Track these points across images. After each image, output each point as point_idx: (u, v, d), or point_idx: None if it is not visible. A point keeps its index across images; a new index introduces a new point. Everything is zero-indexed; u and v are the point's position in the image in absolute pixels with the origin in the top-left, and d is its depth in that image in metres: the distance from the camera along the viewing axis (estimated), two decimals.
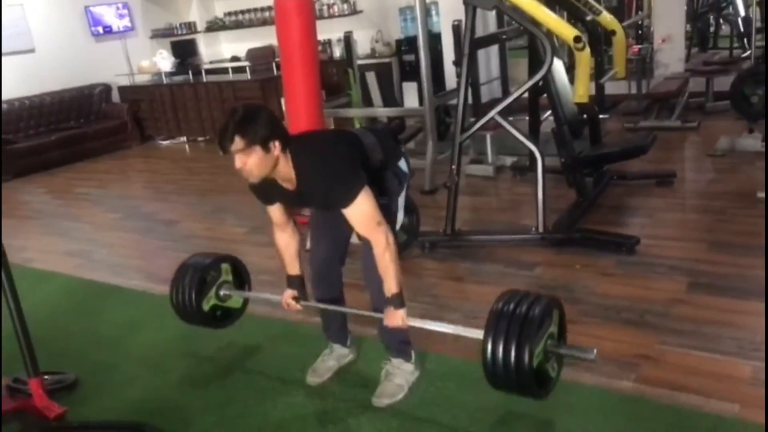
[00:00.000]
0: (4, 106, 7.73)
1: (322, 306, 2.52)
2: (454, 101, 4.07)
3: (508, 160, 5.31)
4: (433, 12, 7.47)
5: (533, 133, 4.65)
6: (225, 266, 2.73)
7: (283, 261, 2.49)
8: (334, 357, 2.64)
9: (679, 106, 6.06)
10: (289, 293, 2.49)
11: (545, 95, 4.10)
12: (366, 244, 2.30)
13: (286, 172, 2.11)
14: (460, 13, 3.82)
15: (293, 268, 2.48)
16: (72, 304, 3.79)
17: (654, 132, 4.67)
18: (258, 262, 4.05)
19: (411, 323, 2.23)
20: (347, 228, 2.37)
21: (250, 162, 2.01)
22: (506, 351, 1.83)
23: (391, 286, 2.17)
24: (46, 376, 2.62)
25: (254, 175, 2.05)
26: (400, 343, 2.47)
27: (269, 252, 4.16)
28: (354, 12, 8.37)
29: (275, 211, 2.35)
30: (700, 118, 5.96)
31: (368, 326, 2.79)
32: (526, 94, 4.21)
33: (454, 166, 3.77)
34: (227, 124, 2.01)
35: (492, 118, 3.74)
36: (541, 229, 3.64)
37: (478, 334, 1.96)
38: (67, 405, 2.57)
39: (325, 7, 8.44)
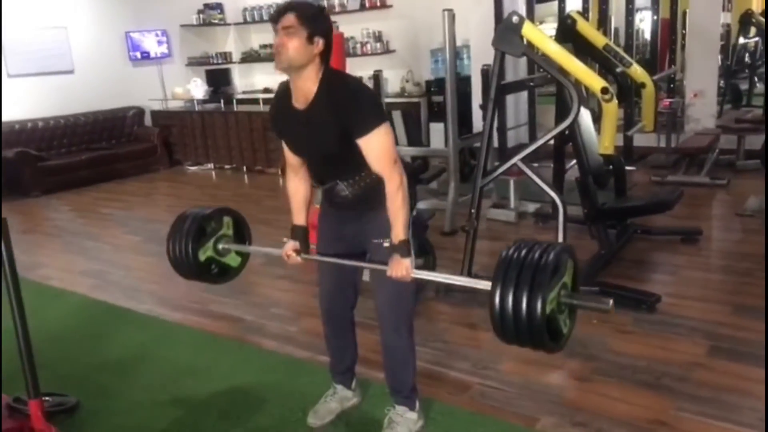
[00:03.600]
0: (39, 124, 7.94)
1: (322, 258, 2.36)
2: (479, 144, 4.05)
3: (531, 207, 5.25)
4: (464, 55, 7.54)
5: (557, 181, 4.60)
6: (227, 219, 2.59)
7: (290, 208, 2.40)
8: (337, 399, 2.58)
9: (709, 162, 5.97)
10: (291, 245, 2.38)
11: (571, 144, 4.06)
12: (378, 284, 2.25)
13: (310, 81, 2.05)
14: (490, 58, 3.82)
15: (299, 217, 2.39)
16: (82, 325, 3.79)
17: (681, 187, 4.58)
18: (270, 294, 4.04)
19: (416, 275, 2.12)
20: (355, 257, 2.30)
21: (291, 44, 1.98)
22: (517, 300, 1.70)
23: (398, 232, 2.08)
24: (46, 398, 2.59)
25: (287, 58, 1.99)
26: (407, 389, 2.40)
27: (283, 285, 4.18)
28: (387, 51, 8.49)
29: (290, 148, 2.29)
30: (729, 176, 5.86)
31: (376, 369, 2.73)
32: (551, 142, 4.17)
33: (473, 210, 3.73)
34: (289, 0, 2.04)
35: (515, 164, 3.71)
36: None
37: (485, 285, 1.83)
38: (64, 429, 2.53)
39: (358, 45, 8.57)
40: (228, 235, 2.59)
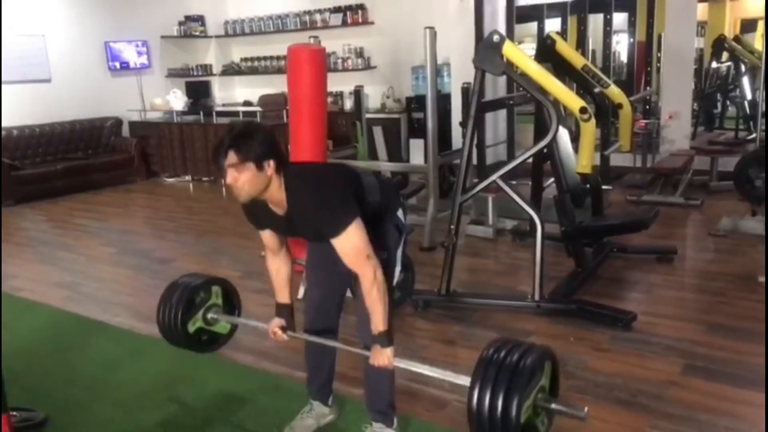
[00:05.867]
0: (14, 132, 7.82)
1: (309, 338, 2.40)
2: (458, 161, 4.08)
3: (509, 224, 5.29)
4: (445, 73, 7.61)
5: (535, 199, 4.64)
6: (216, 289, 2.61)
7: (273, 287, 2.41)
8: (314, 416, 2.55)
9: (683, 182, 6.08)
10: (277, 322, 2.40)
11: (549, 162, 4.11)
12: (360, 300, 2.25)
13: (277, 195, 2.06)
14: (470, 76, 3.86)
15: (282, 296, 2.40)
16: (53, 338, 3.70)
17: (657, 207, 4.65)
18: (249, 309, 3.95)
19: (398, 364, 2.13)
20: (344, 278, 2.32)
21: (242, 179, 1.98)
22: (493, 401, 1.72)
23: (377, 324, 2.09)
24: (14, 413, 2.52)
25: (245, 192, 2.01)
26: (385, 405, 2.39)
27: (262, 299, 4.12)
28: (368, 67, 8.53)
29: (267, 235, 2.29)
30: (703, 197, 5.96)
31: (353, 386, 2.71)
32: (530, 160, 4.22)
33: (452, 226, 3.74)
34: (224, 138, 2.01)
35: (494, 181, 3.74)
36: (537, 297, 3.58)
37: (465, 380, 1.87)
38: None
39: (340, 61, 8.61)
40: (217, 304, 2.61)
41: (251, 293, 4.17)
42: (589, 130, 3.76)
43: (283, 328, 2.39)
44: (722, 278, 4.06)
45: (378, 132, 6.46)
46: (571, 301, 3.65)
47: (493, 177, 3.73)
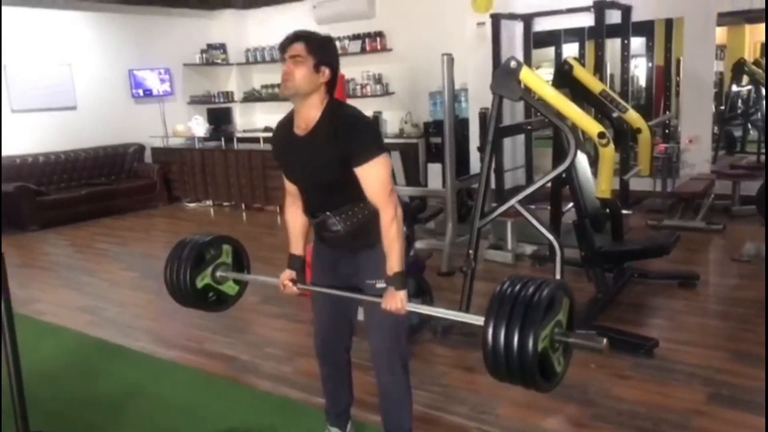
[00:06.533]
0: (40, 158, 8.00)
1: (317, 289, 2.34)
2: (476, 185, 4.08)
3: (528, 249, 5.26)
4: (462, 98, 7.66)
5: (554, 224, 4.62)
6: (226, 247, 2.57)
7: (288, 237, 2.40)
8: None
9: (705, 207, 6.01)
10: (288, 274, 2.37)
11: (568, 187, 4.10)
12: (372, 323, 2.25)
13: (313, 108, 2.08)
14: (488, 101, 3.88)
15: (296, 247, 2.38)
16: (75, 362, 3.74)
17: (678, 232, 4.61)
18: (265, 334, 4.01)
19: (410, 308, 2.10)
20: (350, 301, 2.30)
21: (298, 72, 2.02)
22: (509, 336, 1.68)
23: (393, 264, 2.08)
24: None
25: (294, 85, 2.03)
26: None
27: (279, 324, 4.15)
28: (386, 93, 8.62)
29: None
30: (725, 221, 5.89)
31: (371, 412, 2.70)
32: (548, 184, 4.21)
33: (471, 251, 3.73)
34: (298, 30, 2.09)
35: (512, 206, 3.73)
36: None
37: (478, 320, 1.84)
38: None
39: (359, 87, 8.70)
40: (227, 263, 2.57)
41: (269, 318, 4.20)
42: (608, 154, 3.74)
43: (294, 281, 2.36)
44: (746, 304, 3.99)
45: (396, 157, 6.49)
46: (592, 326, 3.60)
47: (512, 201, 3.73)
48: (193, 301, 2.50)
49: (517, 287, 1.76)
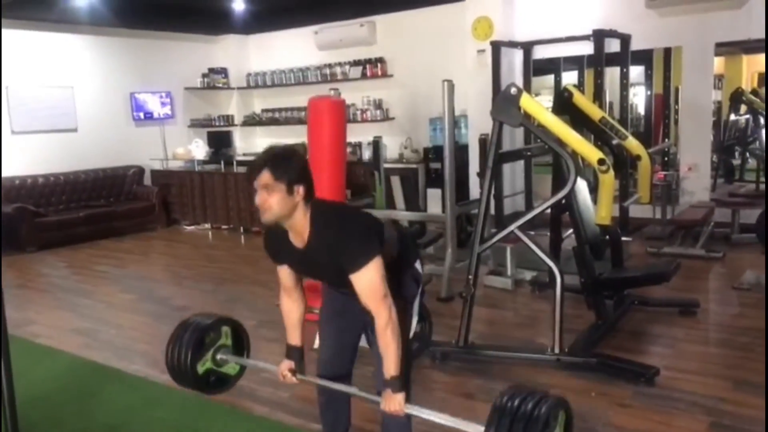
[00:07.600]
0: (39, 179, 8.01)
1: (319, 381, 2.37)
2: (476, 211, 4.09)
3: (528, 274, 5.24)
4: (462, 124, 7.71)
5: (554, 250, 4.61)
6: (225, 329, 2.58)
7: (285, 328, 2.40)
8: None
9: (704, 235, 6.01)
10: (286, 364, 2.37)
11: (567, 213, 4.10)
12: (376, 349, 2.23)
13: (301, 223, 2.08)
14: (487, 127, 3.91)
15: (293, 338, 2.38)
16: (69, 385, 3.69)
17: (678, 259, 4.59)
18: (263, 357, 3.94)
19: (409, 411, 2.09)
20: (356, 330, 2.31)
21: (272, 199, 2.01)
22: None
23: (390, 368, 2.06)
24: None
25: (272, 212, 2.02)
26: None
27: (275, 348, 4.09)
28: (386, 118, 8.67)
29: (284, 271, 2.30)
30: (725, 249, 5.88)
31: None
32: (548, 210, 4.21)
33: (470, 277, 3.72)
34: (260, 156, 2.06)
35: (512, 232, 3.72)
36: (557, 350, 3.52)
37: (478, 429, 1.83)
38: None
39: (359, 112, 8.76)
40: (227, 345, 2.59)
41: (266, 342, 4.15)
42: (608, 181, 3.75)
43: (293, 371, 2.36)
44: (748, 333, 3.96)
45: (396, 182, 6.51)
46: (592, 354, 3.57)
47: (512, 227, 3.72)
48: (194, 385, 2.52)
49: (517, 401, 1.79)
